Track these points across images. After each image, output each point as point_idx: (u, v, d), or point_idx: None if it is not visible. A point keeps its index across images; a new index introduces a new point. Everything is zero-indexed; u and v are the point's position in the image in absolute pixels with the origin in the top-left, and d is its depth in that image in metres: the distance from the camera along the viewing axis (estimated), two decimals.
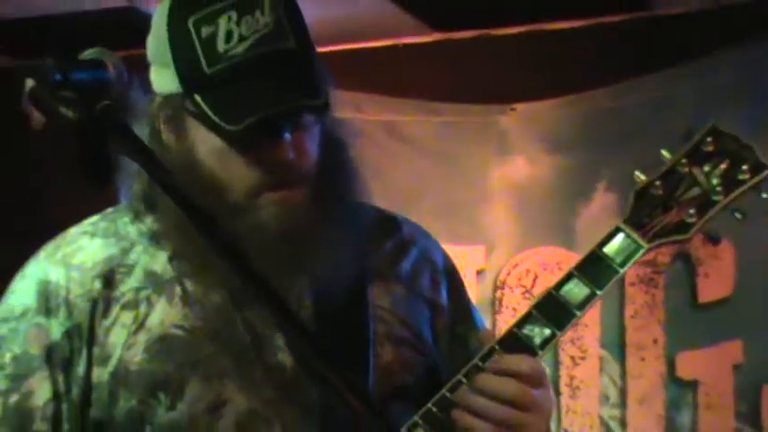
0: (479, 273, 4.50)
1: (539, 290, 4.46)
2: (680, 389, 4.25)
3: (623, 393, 4.33)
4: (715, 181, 1.92)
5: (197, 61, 1.82)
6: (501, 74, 4.52)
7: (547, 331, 1.84)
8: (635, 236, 1.89)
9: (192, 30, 1.82)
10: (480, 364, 1.83)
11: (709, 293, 4.28)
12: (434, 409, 1.84)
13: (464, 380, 1.84)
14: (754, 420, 4.12)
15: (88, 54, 1.66)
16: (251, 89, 1.83)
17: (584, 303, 1.85)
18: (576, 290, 1.87)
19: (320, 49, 1.93)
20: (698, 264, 4.29)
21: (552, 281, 4.19)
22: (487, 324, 2.23)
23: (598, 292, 1.86)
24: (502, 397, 1.79)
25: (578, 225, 4.40)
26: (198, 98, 1.82)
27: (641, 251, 1.88)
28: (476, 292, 4.41)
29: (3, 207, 4.84)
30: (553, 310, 1.86)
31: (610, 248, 1.88)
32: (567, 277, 1.89)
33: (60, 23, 4.52)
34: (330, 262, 1.93)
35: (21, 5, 4.53)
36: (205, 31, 1.81)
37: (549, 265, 4.43)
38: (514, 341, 1.85)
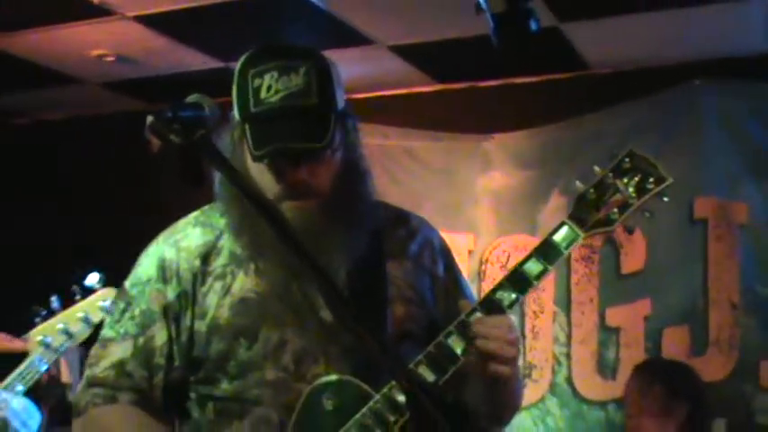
0: (470, 253, 5.16)
1: (511, 264, 4.74)
2: (608, 333, 4.94)
3: (569, 337, 5.01)
4: (631, 189, 2.18)
5: (248, 102, 2.07)
6: (484, 112, 5.28)
7: (513, 295, 2.10)
8: (575, 228, 2.16)
9: (249, 80, 2.06)
10: (466, 318, 2.07)
11: (628, 267, 4.93)
12: (433, 351, 2.06)
13: (454, 330, 2.07)
14: (656, 353, 4.78)
15: (191, 98, 1.87)
16: (275, 129, 2.03)
17: (540, 276, 2.11)
18: (534, 266, 2.13)
19: (356, 96, 2.24)
20: (620, 247, 4.90)
21: (519, 259, 5.02)
22: (474, 290, 2.39)
23: (549, 268, 2.12)
24: (494, 336, 2.04)
25: (540, 219, 5.07)
26: (246, 128, 2.07)
27: (579, 239, 2.15)
28: (467, 267, 5.05)
29: (137, 209, 5.41)
30: (518, 281, 2.11)
31: (558, 236, 2.15)
32: (528, 257, 2.14)
33: (178, 78, 5.26)
34: (350, 247, 2.12)
35: (148, 68, 5.26)
36: (256, 82, 2.05)
37: (518, 247, 5.12)
38: (490, 302, 2.09)
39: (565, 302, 5.03)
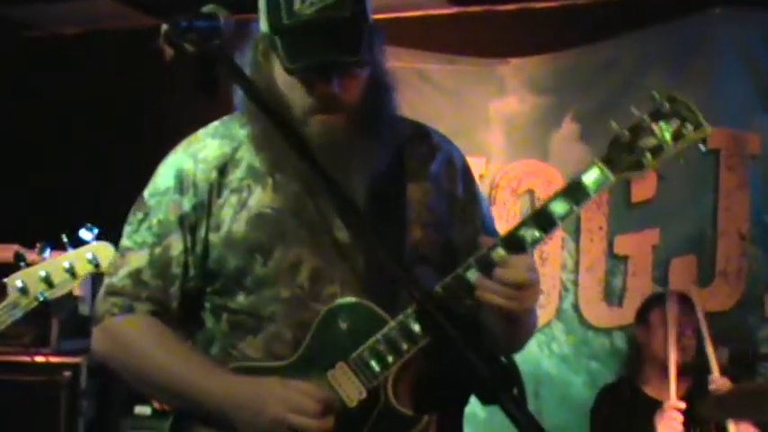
0: (481, 177, 5.05)
1: (522, 189, 5.16)
2: (615, 261, 5.01)
3: (577, 263, 5.08)
4: (668, 134, 2.10)
5: (280, 13, 2.04)
6: (500, 37, 5.28)
7: (536, 233, 2.07)
8: (606, 170, 2.09)
9: None
10: (488, 254, 2.05)
11: (638, 196, 4.95)
12: (451, 282, 2.06)
13: (474, 264, 2.05)
14: (663, 282, 4.87)
15: (206, 8, 1.90)
16: (309, 42, 2.03)
17: (565, 216, 2.08)
18: (560, 206, 2.08)
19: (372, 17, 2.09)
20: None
21: (531, 185, 5.07)
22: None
23: (576, 209, 2.09)
24: (513, 280, 2.02)
25: (551, 145, 5.15)
26: (277, 40, 2.06)
27: (609, 181, 2.09)
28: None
29: (157, 118, 5.42)
30: (542, 220, 2.07)
31: (587, 178, 2.09)
32: (554, 196, 2.10)
33: None
34: (372, 165, 2.13)
35: None
36: None
37: (530, 172, 5.18)
38: (513, 239, 2.07)
39: (574, 229, 5.08)
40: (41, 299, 3.02)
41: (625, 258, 5.02)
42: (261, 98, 1.92)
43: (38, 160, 5.81)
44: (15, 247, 3.84)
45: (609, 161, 2.10)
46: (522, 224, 2.08)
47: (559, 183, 5.01)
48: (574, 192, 2.09)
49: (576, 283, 5.11)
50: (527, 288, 2.04)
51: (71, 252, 3.07)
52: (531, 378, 4.89)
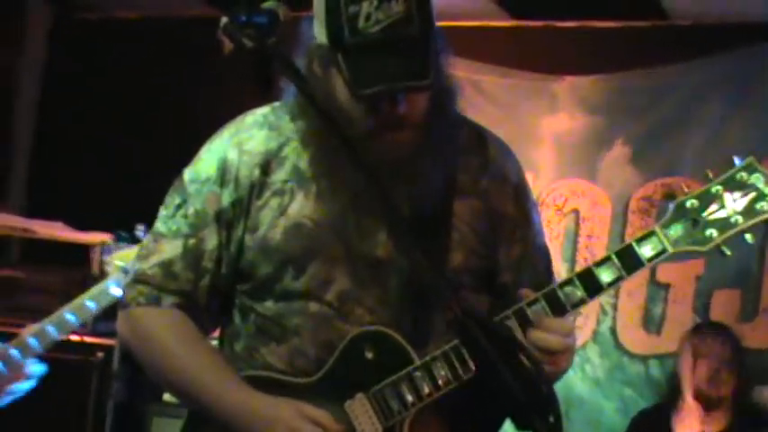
0: None
1: (567, 209, 5.16)
2: (657, 288, 4.97)
3: (617, 288, 4.45)
4: (739, 208, 1.96)
5: (341, 29, 1.93)
6: (557, 53, 5.27)
7: (579, 294, 1.98)
8: (666, 242, 1.98)
9: (341, 4, 1.93)
10: (526, 308, 1.99)
11: None
12: (477, 330, 1.84)
13: (512, 316, 1.99)
14: (704, 313, 4.86)
15: (267, 4, 1.90)
16: (377, 65, 1.92)
17: (612, 283, 1.98)
18: (610, 272, 1.98)
19: None
20: None
21: (577, 204, 5.03)
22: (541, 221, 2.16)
23: (625, 276, 1.98)
24: (549, 347, 1.97)
25: (600, 165, 5.14)
26: (339, 57, 1.95)
27: (666, 254, 1.98)
28: None
29: (209, 105, 4.84)
30: (589, 281, 1.98)
31: (644, 246, 1.97)
32: (605, 259, 1.99)
33: None
34: (426, 184, 2.06)
35: None
36: (352, 8, 1.92)
37: (576, 192, 5.17)
38: (554, 297, 1.98)
39: None
40: None
41: (667, 286, 5.00)
42: (314, 98, 1.89)
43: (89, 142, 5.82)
44: (60, 224, 3.91)
45: (670, 231, 1.99)
46: (569, 281, 2.00)
47: (605, 205, 5.17)
48: (626, 258, 1.99)
49: (615, 307, 5.08)
50: (563, 353, 1.99)
51: None
52: (562, 399, 4.65)
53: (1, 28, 5.77)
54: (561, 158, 5.26)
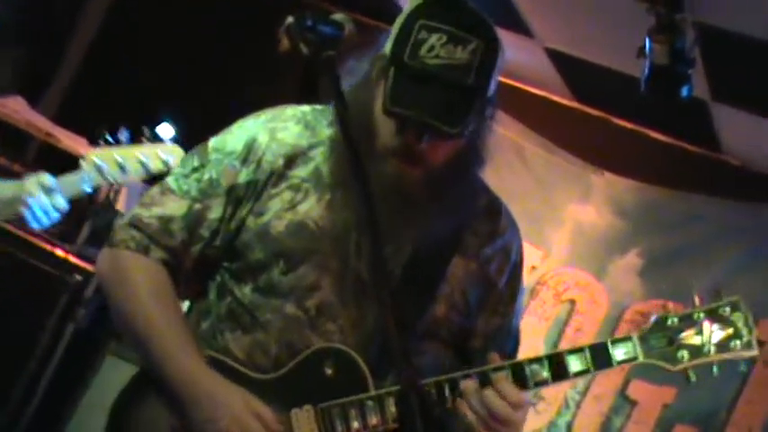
0: (533, 268, 5.14)
1: (565, 297, 5.12)
2: (624, 401, 4.91)
3: (587, 388, 4.97)
4: (714, 340, 2.03)
5: (404, 49, 1.98)
6: (605, 147, 5.26)
7: (545, 375, 2.03)
8: (639, 349, 2.05)
9: (415, 29, 1.98)
10: (491, 370, 2.03)
11: None
12: (443, 381, 2.03)
13: (474, 375, 2.02)
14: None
15: (337, 16, 1.90)
16: (418, 93, 1.96)
17: (578, 374, 2.04)
18: (579, 362, 2.03)
19: None
20: None
21: (576, 296, 4.96)
22: (524, 304, 2.31)
23: (592, 371, 2.04)
24: (498, 415, 1.99)
25: (610, 267, 5.14)
26: (391, 71, 1.99)
27: (636, 360, 2.05)
28: (525, 280, 4.92)
29: (260, 100, 5.28)
30: (557, 366, 2.03)
31: (617, 348, 2.04)
32: (578, 349, 2.04)
33: None
34: (430, 230, 2.08)
35: None
36: (422, 35, 1.97)
37: (579, 285, 5.15)
38: (520, 370, 2.03)
39: None
40: (111, 181, 3.14)
41: (634, 403, 4.94)
42: (346, 123, 1.86)
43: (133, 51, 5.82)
44: (85, 140, 3.91)
45: (646, 341, 2.05)
46: (538, 360, 2.03)
47: (602, 305, 5.14)
48: (598, 355, 2.04)
49: (578, 405, 5.03)
50: (506, 424, 2.00)
51: (146, 146, 3.16)
52: None
53: None
54: (576, 247, 5.25)
